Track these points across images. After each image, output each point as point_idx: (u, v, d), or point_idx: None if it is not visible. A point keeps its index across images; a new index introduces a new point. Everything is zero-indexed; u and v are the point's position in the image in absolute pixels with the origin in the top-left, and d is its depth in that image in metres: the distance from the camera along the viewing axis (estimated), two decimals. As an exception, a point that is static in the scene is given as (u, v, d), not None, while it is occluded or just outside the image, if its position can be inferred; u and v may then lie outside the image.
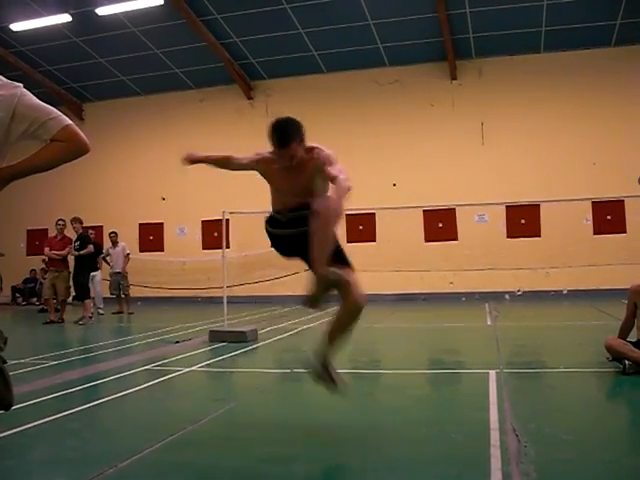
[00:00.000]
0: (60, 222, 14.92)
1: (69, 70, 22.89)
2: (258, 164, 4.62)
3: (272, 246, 4.75)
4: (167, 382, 6.87)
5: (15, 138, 3.17)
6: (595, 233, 19.69)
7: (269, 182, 4.64)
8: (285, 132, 4.33)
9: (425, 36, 19.93)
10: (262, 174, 4.64)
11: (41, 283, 22.17)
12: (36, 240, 23.72)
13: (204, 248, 22.23)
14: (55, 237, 14.88)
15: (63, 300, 14.76)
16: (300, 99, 22.07)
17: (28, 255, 24.72)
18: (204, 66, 22.18)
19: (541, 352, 8.99)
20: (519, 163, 20.28)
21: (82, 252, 14.76)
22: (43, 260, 20.71)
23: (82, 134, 3.15)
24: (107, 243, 18.52)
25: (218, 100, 23.26)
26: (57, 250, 14.62)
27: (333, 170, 4.31)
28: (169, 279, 22.28)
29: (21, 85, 2.95)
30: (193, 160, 4.83)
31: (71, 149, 3.27)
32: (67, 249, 14.69)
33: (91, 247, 15.07)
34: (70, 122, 3.07)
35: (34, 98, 2.98)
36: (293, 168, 4.43)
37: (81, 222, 15.20)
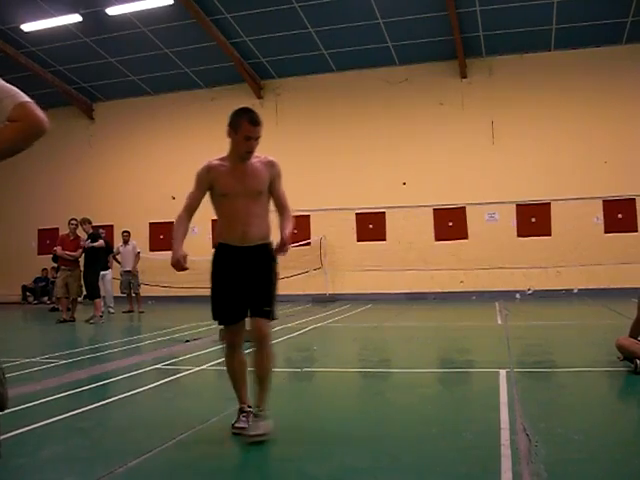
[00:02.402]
0: (73, 222, 14.98)
1: (79, 70, 22.95)
2: (209, 173, 4.54)
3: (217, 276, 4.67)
4: (177, 381, 6.89)
5: None
6: (606, 232, 19.58)
7: (219, 189, 4.52)
8: (258, 115, 4.49)
9: (435, 34, 19.87)
10: (212, 184, 4.54)
11: (52, 282, 22.25)
12: (47, 239, 23.80)
13: (214, 247, 22.26)
14: (68, 236, 14.93)
15: (74, 299, 14.83)
16: (310, 98, 22.10)
17: (39, 254, 24.79)
18: (214, 65, 22.20)
19: (552, 351, 8.96)
20: (529, 162, 20.19)
21: (95, 244, 14.86)
22: (53, 259, 20.85)
23: (40, 112, 2.79)
24: (117, 242, 18.57)
25: (228, 99, 23.20)
26: (70, 250, 14.68)
27: (285, 196, 4.66)
28: (179, 278, 22.18)
29: None
30: (183, 263, 4.56)
31: (25, 129, 2.81)
32: (79, 250, 14.76)
33: (102, 242, 15.19)
34: (27, 99, 2.81)
35: None
36: (244, 168, 4.50)
37: (90, 222, 15.28)
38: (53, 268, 21.61)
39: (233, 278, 4.53)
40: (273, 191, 4.61)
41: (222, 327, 4.76)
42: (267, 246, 4.61)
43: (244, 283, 4.51)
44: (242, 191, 4.48)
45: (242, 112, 4.46)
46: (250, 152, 4.48)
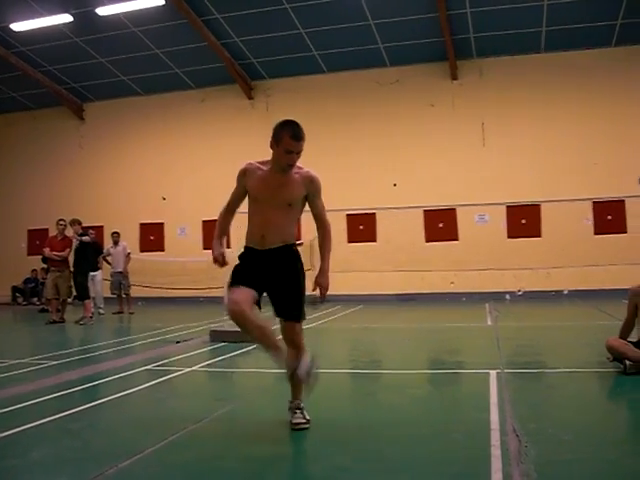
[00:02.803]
0: (61, 222, 14.91)
1: (70, 70, 22.87)
2: (244, 176, 4.65)
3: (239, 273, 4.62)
4: (168, 382, 6.88)
5: None
6: (596, 233, 19.67)
7: (251, 192, 4.62)
8: (301, 129, 4.51)
9: (426, 36, 19.91)
10: (246, 186, 4.66)
11: (42, 283, 22.16)
12: (37, 240, 23.71)
13: (205, 248, 22.20)
14: (56, 237, 14.86)
15: (64, 300, 14.78)
16: (301, 99, 22.08)
17: (29, 255, 24.70)
18: (205, 66, 22.16)
19: (542, 352, 8.99)
20: (520, 163, 20.26)
21: (83, 238, 14.81)
22: (42, 260, 20.79)
23: None
24: (107, 243, 18.52)
25: (218, 100, 23.26)
26: (58, 251, 14.61)
27: (324, 212, 4.71)
28: (170, 279, 22.28)
29: None
30: (222, 260, 4.77)
31: None
32: (67, 250, 14.69)
33: (88, 237, 15.14)
34: None
35: None
36: (281, 178, 4.54)
37: (80, 223, 15.21)
38: (43, 269, 21.54)
39: (255, 270, 4.54)
40: (312, 207, 4.68)
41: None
42: (290, 247, 4.65)
43: (268, 285, 4.55)
44: (270, 199, 4.53)
45: (285, 125, 4.50)
46: (291, 165, 4.51)
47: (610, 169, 19.32)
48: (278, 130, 4.50)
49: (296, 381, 4.50)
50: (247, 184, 4.63)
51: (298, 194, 4.59)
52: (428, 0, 18.35)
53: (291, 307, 4.55)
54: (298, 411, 4.60)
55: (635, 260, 17.88)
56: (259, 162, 4.66)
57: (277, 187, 4.53)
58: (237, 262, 4.70)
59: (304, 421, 4.57)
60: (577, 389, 6.07)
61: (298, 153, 4.50)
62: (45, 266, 18.34)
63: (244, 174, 4.65)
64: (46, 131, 24.96)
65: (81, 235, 14.94)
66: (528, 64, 20.44)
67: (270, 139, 4.54)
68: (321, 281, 4.63)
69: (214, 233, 4.87)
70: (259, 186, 4.57)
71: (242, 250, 4.72)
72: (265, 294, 4.59)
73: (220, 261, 4.72)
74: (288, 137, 4.43)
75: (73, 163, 24.69)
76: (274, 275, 4.55)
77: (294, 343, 4.49)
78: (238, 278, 4.53)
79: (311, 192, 4.63)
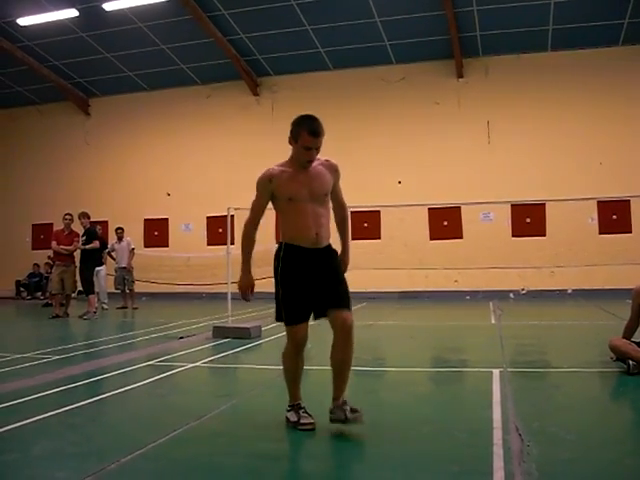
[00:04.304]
0: (67, 217, 14.90)
1: (76, 65, 22.90)
2: (271, 183, 4.50)
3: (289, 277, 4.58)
4: (170, 378, 6.89)
5: None
6: (600, 233, 19.62)
7: (285, 194, 4.50)
8: (319, 124, 4.48)
9: (432, 34, 19.88)
10: (275, 191, 4.52)
11: (46, 277, 22.21)
12: (41, 234, 23.78)
13: (209, 244, 22.23)
14: (62, 231, 14.86)
15: (68, 295, 14.80)
16: (306, 96, 22.03)
17: (34, 249, 24.75)
18: (210, 62, 22.16)
19: (545, 351, 8.97)
20: (525, 162, 20.22)
21: (87, 247, 14.78)
22: (48, 256, 20.80)
23: None
24: (112, 238, 18.54)
25: (224, 96, 23.26)
26: (65, 245, 14.62)
27: (342, 195, 4.82)
28: (174, 275, 22.28)
29: None
30: (252, 289, 4.71)
31: None
32: (74, 244, 14.69)
33: (97, 243, 15.09)
34: None
35: None
36: (308, 173, 4.53)
37: (89, 217, 15.22)
38: (47, 264, 21.58)
39: (306, 280, 4.52)
40: (334, 192, 4.71)
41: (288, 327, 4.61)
42: (331, 246, 4.69)
43: (318, 283, 4.53)
44: (308, 195, 4.50)
45: (303, 121, 4.46)
46: (310, 161, 4.50)
47: (615, 169, 19.28)
48: (296, 126, 4.45)
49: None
50: (276, 189, 4.49)
51: (329, 183, 4.62)
52: (435, -2, 18.33)
53: (345, 297, 4.55)
54: (347, 407, 4.46)
55: (640, 260, 17.84)
56: (278, 165, 4.57)
57: (310, 182, 4.51)
58: (282, 266, 4.57)
59: (358, 410, 4.46)
60: (580, 389, 6.06)
61: (317, 149, 4.48)
62: (51, 260, 18.34)
63: (270, 180, 4.50)
64: (52, 126, 24.99)
65: (88, 238, 14.84)
66: (534, 63, 20.39)
67: (288, 135, 4.49)
68: (345, 259, 4.78)
69: (242, 253, 4.67)
70: (293, 186, 4.49)
71: (282, 249, 4.60)
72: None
73: (249, 294, 4.64)
74: (306, 134, 4.39)
75: (78, 158, 24.71)
76: (324, 271, 4.55)
77: (350, 333, 4.47)
78: (296, 306, 4.53)
79: (336, 179, 4.69)
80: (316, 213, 4.53)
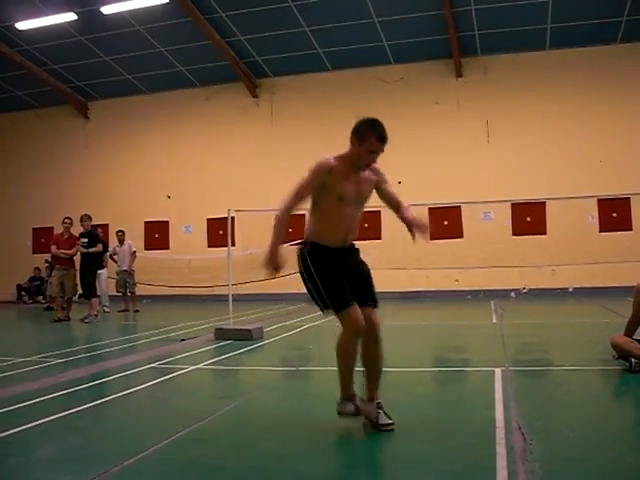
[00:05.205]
0: (67, 220, 14.91)
1: (74, 69, 22.91)
2: (330, 174, 4.34)
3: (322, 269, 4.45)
4: (172, 380, 6.89)
5: None
6: (601, 231, 19.64)
7: (337, 191, 4.36)
8: (386, 131, 4.34)
9: (430, 33, 19.90)
10: (329, 184, 4.36)
11: (46, 281, 22.21)
12: (42, 238, 23.79)
13: (209, 246, 22.24)
14: (62, 235, 14.87)
15: (69, 298, 14.80)
16: (305, 97, 22.09)
17: (34, 253, 24.76)
18: (209, 64, 22.18)
19: (547, 350, 8.97)
20: (525, 161, 20.23)
21: (90, 250, 14.77)
22: (46, 260, 20.84)
23: None
24: (113, 241, 18.54)
25: (223, 98, 23.27)
26: (65, 249, 14.63)
27: (397, 196, 4.66)
28: (174, 277, 22.29)
29: None
30: (280, 267, 4.41)
31: None
32: (75, 248, 14.70)
33: (100, 247, 15.09)
34: None
35: None
36: (359, 176, 4.44)
37: (90, 219, 15.22)
38: (47, 267, 21.58)
39: (344, 272, 4.47)
40: (385, 194, 4.63)
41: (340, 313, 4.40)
42: (354, 244, 4.68)
43: (353, 279, 4.49)
44: (355, 199, 4.44)
45: (372, 125, 4.34)
46: (370, 165, 4.44)
47: (615, 167, 19.29)
48: (364, 129, 4.33)
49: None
50: (331, 183, 4.33)
51: (372, 189, 4.55)
52: (432, -3, 18.34)
53: (371, 294, 4.55)
54: (381, 411, 4.46)
55: (640, 258, 17.84)
56: (335, 158, 4.41)
57: (360, 185, 4.43)
58: (312, 263, 4.46)
59: (392, 421, 4.42)
60: (582, 387, 6.06)
61: (379, 153, 4.40)
62: (49, 262, 18.33)
63: (329, 171, 4.33)
64: (51, 130, 25.01)
65: (89, 241, 14.83)
66: (533, 61, 20.42)
67: (350, 135, 4.38)
68: (418, 224, 4.51)
69: (275, 233, 4.43)
70: (347, 186, 4.37)
71: (310, 247, 4.50)
72: None
73: (278, 270, 4.37)
74: (375, 138, 4.29)
75: (78, 161, 24.73)
76: (356, 267, 4.57)
77: (378, 333, 4.49)
78: (340, 288, 4.40)
79: (380, 181, 4.58)
80: (353, 216, 4.49)
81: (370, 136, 4.29)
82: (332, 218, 4.44)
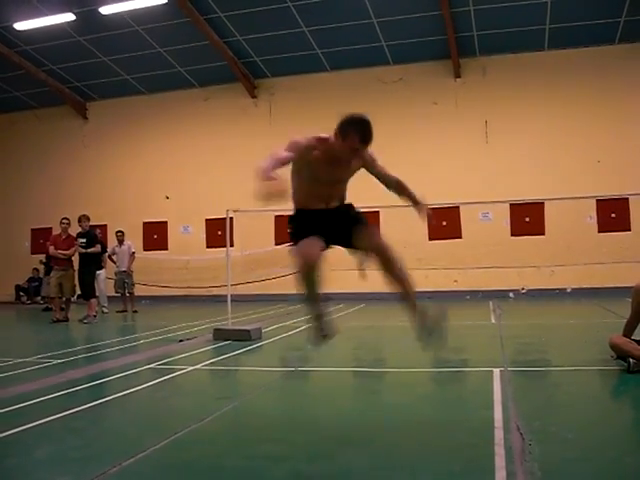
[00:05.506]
0: (64, 221, 14.91)
1: (73, 69, 22.90)
2: (309, 151, 4.35)
3: (301, 230, 4.46)
4: (171, 380, 6.88)
5: None
6: (599, 231, 19.65)
7: (309, 168, 4.37)
8: (372, 132, 4.27)
9: (429, 34, 19.90)
10: (306, 159, 4.34)
11: (41, 281, 22.19)
12: (40, 239, 23.76)
13: (208, 247, 22.22)
14: (60, 236, 14.86)
15: (68, 299, 14.79)
16: (304, 97, 22.09)
17: (32, 254, 24.74)
18: (208, 65, 22.18)
19: (545, 350, 8.97)
20: (523, 161, 20.24)
21: (89, 250, 14.77)
22: (41, 261, 20.87)
23: None
24: (111, 242, 18.54)
25: (222, 99, 23.27)
26: (63, 249, 14.62)
27: (385, 168, 4.64)
28: (173, 277, 22.28)
29: None
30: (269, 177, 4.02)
31: None
32: (73, 249, 14.69)
33: (98, 247, 15.11)
34: None
35: None
36: (342, 160, 4.41)
37: (89, 220, 15.22)
38: (43, 265, 21.56)
39: (319, 222, 4.47)
40: (374, 172, 4.65)
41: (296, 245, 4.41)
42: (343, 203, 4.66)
43: (334, 223, 4.49)
44: (333, 180, 4.52)
45: (356, 124, 4.24)
46: (353, 156, 4.42)
47: (614, 167, 19.30)
48: (347, 126, 4.26)
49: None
50: (309, 161, 4.37)
51: (353, 171, 4.56)
52: (431, -2, 18.35)
53: (361, 219, 4.57)
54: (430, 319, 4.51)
55: (639, 258, 17.83)
56: (317, 139, 4.41)
57: (338, 169, 4.46)
58: (296, 214, 4.58)
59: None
60: (581, 387, 6.06)
61: (361, 155, 4.40)
62: (44, 262, 18.31)
63: (308, 150, 4.36)
64: (49, 130, 24.99)
65: (88, 242, 14.83)
66: (531, 62, 20.43)
67: (335, 127, 4.33)
68: (421, 205, 4.72)
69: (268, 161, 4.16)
70: (324, 169, 4.40)
71: (296, 212, 4.59)
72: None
73: (276, 193, 3.88)
74: (358, 140, 4.24)
75: (76, 162, 24.71)
76: (339, 218, 4.54)
77: (383, 245, 4.44)
78: (305, 229, 4.39)
79: (368, 159, 4.54)
80: (332, 188, 4.53)
81: (354, 136, 4.23)
82: (309, 189, 4.48)
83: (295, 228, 4.53)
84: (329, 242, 4.48)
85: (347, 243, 4.53)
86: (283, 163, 4.29)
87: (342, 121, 4.29)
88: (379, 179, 4.63)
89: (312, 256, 4.30)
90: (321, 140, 4.38)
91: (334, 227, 4.49)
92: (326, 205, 4.52)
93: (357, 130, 4.21)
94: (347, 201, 4.74)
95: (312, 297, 4.54)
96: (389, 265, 4.44)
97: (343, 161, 4.38)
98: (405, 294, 4.50)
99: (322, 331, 4.55)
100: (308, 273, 4.34)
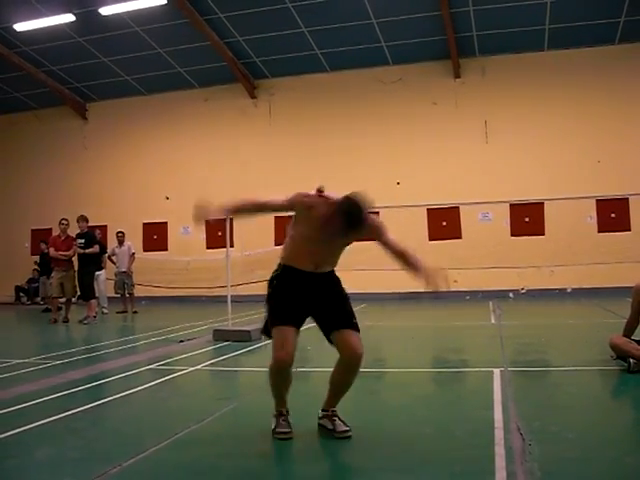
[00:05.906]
0: (64, 222, 14.91)
1: (73, 70, 22.89)
2: (309, 211, 4.23)
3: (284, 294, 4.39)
4: (171, 381, 6.88)
5: None
6: (599, 231, 19.64)
7: (307, 224, 4.26)
8: (360, 221, 4.13)
9: (428, 34, 19.90)
10: (302, 216, 4.29)
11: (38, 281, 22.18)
12: (40, 240, 23.76)
13: (208, 247, 22.21)
14: (59, 237, 14.85)
15: (68, 299, 14.79)
16: (303, 98, 22.10)
17: (33, 255, 24.72)
18: (207, 65, 22.17)
19: (545, 350, 8.97)
20: (523, 161, 20.24)
21: (87, 251, 14.77)
22: (35, 262, 20.93)
23: None
24: (111, 242, 18.53)
25: (221, 99, 23.26)
26: (62, 250, 14.60)
27: (396, 241, 4.41)
28: (173, 278, 22.26)
29: None
30: (209, 216, 4.36)
31: None
32: (72, 250, 14.69)
33: (97, 247, 15.11)
34: None
35: None
36: (335, 234, 4.22)
37: (87, 220, 15.21)
38: (37, 270, 21.61)
39: (301, 295, 4.34)
40: (385, 246, 4.46)
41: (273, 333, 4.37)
42: (333, 272, 4.51)
43: (317, 303, 4.35)
44: (321, 244, 4.29)
45: (343, 214, 4.06)
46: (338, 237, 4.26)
47: (614, 167, 19.30)
48: (338, 209, 4.10)
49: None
50: (307, 221, 4.25)
51: (351, 242, 4.40)
52: (431, -2, 18.35)
53: (351, 315, 4.38)
54: (336, 418, 4.39)
55: (639, 258, 17.83)
56: (320, 199, 4.28)
57: (335, 239, 4.26)
58: (278, 281, 4.44)
59: (348, 428, 4.33)
60: (581, 387, 6.06)
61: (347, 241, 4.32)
62: (38, 264, 18.32)
63: (309, 210, 4.23)
64: (49, 131, 24.98)
65: (86, 242, 14.82)
66: (531, 62, 20.42)
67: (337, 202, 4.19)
68: (424, 272, 4.43)
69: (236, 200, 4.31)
70: (313, 230, 4.23)
71: (282, 269, 4.44)
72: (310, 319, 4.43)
73: (204, 214, 4.35)
74: (343, 223, 4.06)
75: (76, 163, 24.70)
76: (326, 291, 4.38)
77: (357, 365, 4.31)
78: (284, 310, 4.29)
79: (375, 237, 4.37)
80: (327, 253, 4.37)
81: (339, 222, 4.07)
82: (302, 245, 4.33)
83: (274, 298, 4.41)
84: (307, 317, 4.40)
85: (324, 330, 4.41)
86: (258, 208, 4.45)
87: (340, 202, 4.17)
88: (389, 251, 4.42)
89: (286, 357, 4.29)
90: (324, 201, 4.26)
91: (316, 307, 4.36)
92: (315, 268, 4.33)
93: (343, 220, 4.06)
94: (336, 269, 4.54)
95: (279, 394, 4.52)
96: (349, 375, 4.39)
97: (336, 235, 4.22)
98: (337, 395, 4.48)
99: (281, 427, 4.40)
100: (279, 372, 4.39)
